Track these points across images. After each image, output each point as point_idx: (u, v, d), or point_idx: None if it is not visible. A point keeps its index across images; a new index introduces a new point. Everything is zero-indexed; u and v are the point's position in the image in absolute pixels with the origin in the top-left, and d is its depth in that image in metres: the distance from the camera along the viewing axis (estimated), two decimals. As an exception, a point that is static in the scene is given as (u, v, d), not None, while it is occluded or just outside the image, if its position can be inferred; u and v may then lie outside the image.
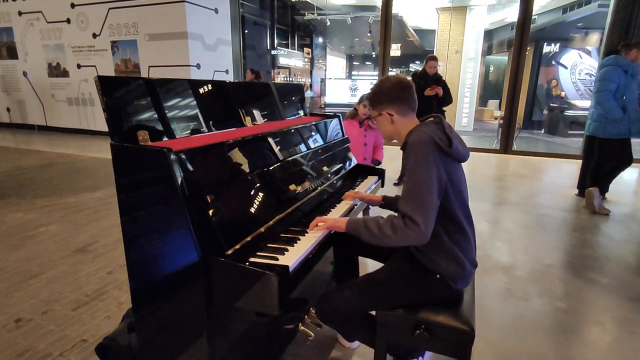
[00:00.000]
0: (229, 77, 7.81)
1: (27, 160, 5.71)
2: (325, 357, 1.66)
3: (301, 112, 2.22)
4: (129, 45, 7.23)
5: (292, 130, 1.69)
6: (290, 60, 14.06)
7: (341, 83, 13.01)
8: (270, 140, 1.48)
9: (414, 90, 1.28)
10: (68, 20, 7.67)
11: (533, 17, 6.87)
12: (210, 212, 1.01)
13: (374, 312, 1.29)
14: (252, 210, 1.19)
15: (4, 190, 4.12)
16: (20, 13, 8.12)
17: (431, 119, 1.25)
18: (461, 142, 1.21)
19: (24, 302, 2.01)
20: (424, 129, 1.17)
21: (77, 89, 8.09)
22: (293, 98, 2.20)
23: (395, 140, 1.34)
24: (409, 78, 1.33)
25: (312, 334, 1.61)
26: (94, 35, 7.50)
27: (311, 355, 1.66)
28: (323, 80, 14.97)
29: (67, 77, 8.11)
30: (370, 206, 2.18)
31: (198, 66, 6.92)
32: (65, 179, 4.60)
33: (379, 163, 3.20)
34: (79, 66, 7.90)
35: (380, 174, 2.20)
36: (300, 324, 1.65)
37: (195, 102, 1.39)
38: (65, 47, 7.90)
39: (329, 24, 13.55)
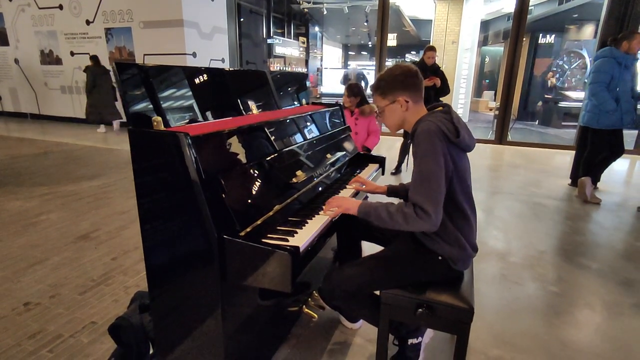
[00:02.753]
0: (225, 66, 7.76)
1: (22, 149, 5.66)
2: (328, 337, 1.72)
3: (303, 101, 2.25)
4: (124, 32, 7.13)
5: (298, 119, 1.72)
6: (286, 49, 13.95)
7: (337, 73, 12.95)
8: (278, 127, 1.51)
9: (422, 78, 1.31)
10: (60, 7, 7.53)
11: (529, 8, 6.89)
12: (225, 195, 1.05)
13: (377, 293, 1.35)
14: (262, 194, 1.23)
15: (1, 178, 4.10)
16: (10, -2, 7.95)
17: (440, 107, 1.29)
18: (468, 132, 1.25)
19: (31, 287, 2.04)
20: (432, 118, 1.21)
21: (70, 77, 7.99)
22: (296, 87, 2.22)
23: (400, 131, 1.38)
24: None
25: (315, 315, 1.68)
26: (88, 22, 7.39)
27: (315, 335, 1.73)
28: (319, 70, 14.89)
29: (60, 65, 8.00)
30: (367, 196, 2.23)
31: (194, 54, 6.86)
32: (62, 168, 4.59)
33: (369, 151, 3.24)
34: (72, 54, 7.79)
35: (381, 162, 2.25)
36: (304, 306, 1.71)
37: (207, 90, 1.42)
38: (58, 34, 7.77)
39: (325, 13, 13.43)
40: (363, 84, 9.80)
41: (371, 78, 12.05)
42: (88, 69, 6.68)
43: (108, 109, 6.91)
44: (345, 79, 9.77)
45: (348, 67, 10.18)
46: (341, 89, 10.51)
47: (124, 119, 6.46)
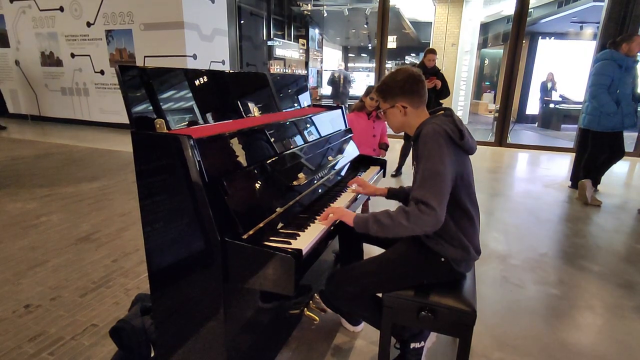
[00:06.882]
0: (226, 68, 7.76)
1: (23, 150, 5.66)
2: (330, 340, 1.72)
3: (305, 104, 2.25)
4: (124, 34, 7.13)
5: (299, 121, 1.72)
6: (286, 51, 13.95)
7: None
8: (279, 130, 1.51)
9: (425, 83, 1.32)
10: (61, 9, 7.53)
11: (529, 11, 6.91)
12: (227, 197, 1.05)
13: (379, 295, 1.35)
14: (265, 197, 1.23)
15: (1, 180, 4.10)
16: (11, 0, 7.95)
17: (441, 112, 1.30)
18: (470, 134, 1.25)
19: (31, 289, 2.04)
20: (436, 121, 1.21)
21: (71, 78, 7.98)
22: (297, 89, 2.22)
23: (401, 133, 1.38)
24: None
25: (317, 318, 1.67)
26: (88, 24, 7.38)
27: (316, 338, 1.72)
28: (319, 72, 14.90)
29: (60, 67, 7.99)
30: (369, 197, 2.24)
31: (194, 56, 6.86)
32: (62, 169, 4.59)
33: (387, 147, 3.25)
34: (72, 55, 7.79)
35: (382, 165, 2.25)
36: (305, 309, 1.70)
37: (208, 92, 1.42)
38: (59, 36, 7.77)
39: (325, 15, 13.46)
40: (350, 84, 9.72)
41: (370, 80, 12.08)
42: None
43: None
44: (332, 81, 9.56)
45: (337, 69, 9.93)
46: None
47: None
